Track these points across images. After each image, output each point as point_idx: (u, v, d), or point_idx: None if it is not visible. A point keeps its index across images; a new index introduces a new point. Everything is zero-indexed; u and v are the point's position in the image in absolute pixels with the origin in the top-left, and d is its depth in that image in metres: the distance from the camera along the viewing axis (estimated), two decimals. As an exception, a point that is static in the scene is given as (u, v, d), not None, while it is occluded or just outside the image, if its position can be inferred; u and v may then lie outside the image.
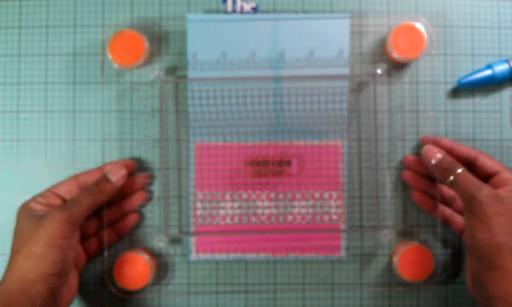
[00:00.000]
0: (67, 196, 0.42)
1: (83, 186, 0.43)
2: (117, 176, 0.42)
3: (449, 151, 0.43)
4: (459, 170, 0.40)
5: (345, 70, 0.45)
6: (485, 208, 0.37)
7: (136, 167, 0.46)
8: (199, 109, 0.46)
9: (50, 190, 0.42)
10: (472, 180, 0.39)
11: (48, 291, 0.37)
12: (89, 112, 0.46)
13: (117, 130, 0.46)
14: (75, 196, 0.41)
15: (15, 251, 0.38)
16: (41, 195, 0.42)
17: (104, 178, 0.42)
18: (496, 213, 0.37)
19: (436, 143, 0.43)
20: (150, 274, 0.43)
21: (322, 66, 0.45)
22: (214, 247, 0.46)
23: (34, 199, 0.41)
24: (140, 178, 0.45)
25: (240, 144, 0.46)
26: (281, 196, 0.46)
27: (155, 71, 0.45)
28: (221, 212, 0.46)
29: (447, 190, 0.44)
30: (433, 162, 0.42)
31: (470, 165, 0.42)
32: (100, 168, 0.44)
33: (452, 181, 0.40)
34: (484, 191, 0.38)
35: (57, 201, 0.42)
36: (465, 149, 0.43)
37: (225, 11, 0.46)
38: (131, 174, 0.45)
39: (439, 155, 0.42)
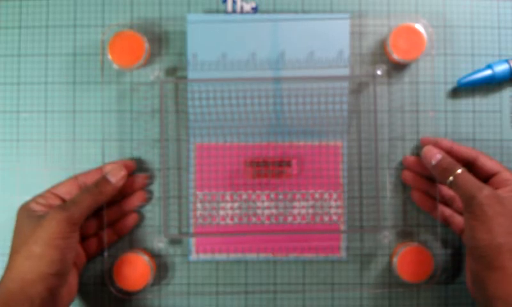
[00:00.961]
0: (67, 197, 0.42)
1: (83, 187, 0.43)
2: (117, 177, 0.42)
3: (449, 152, 0.43)
4: (459, 170, 0.40)
5: (345, 71, 0.45)
6: (485, 209, 0.37)
7: (136, 167, 0.46)
8: (199, 109, 0.46)
9: (50, 191, 0.42)
10: (471, 181, 0.39)
11: (47, 291, 0.37)
12: (89, 112, 0.46)
13: (117, 130, 0.46)
14: (75, 196, 0.41)
15: (14, 250, 0.38)
16: (41, 196, 0.42)
17: (104, 179, 0.42)
18: (496, 213, 0.37)
19: (436, 144, 0.43)
20: (149, 274, 0.43)
21: (322, 67, 0.45)
22: (214, 247, 0.46)
23: (34, 199, 0.41)
24: (140, 178, 0.45)
25: (240, 145, 0.46)
26: (281, 197, 0.46)
27: (155, 71, 0.45)
28: (221, 212, 0.46)
29: (446, 191, 0.44)
30: (433, 162, 0.42)
31: (470, 165, 0.42)
32: (99, 168, 0.44)
33: (451, 182, 0.40)
34: (484, 191, 0.38)
35: (57, 202, 0.42)
36: (465, 150, 0.43)
37: (225, 11, 0.46)
38: (131, 174, 0.45)
39: (439, 156, 0.42)
